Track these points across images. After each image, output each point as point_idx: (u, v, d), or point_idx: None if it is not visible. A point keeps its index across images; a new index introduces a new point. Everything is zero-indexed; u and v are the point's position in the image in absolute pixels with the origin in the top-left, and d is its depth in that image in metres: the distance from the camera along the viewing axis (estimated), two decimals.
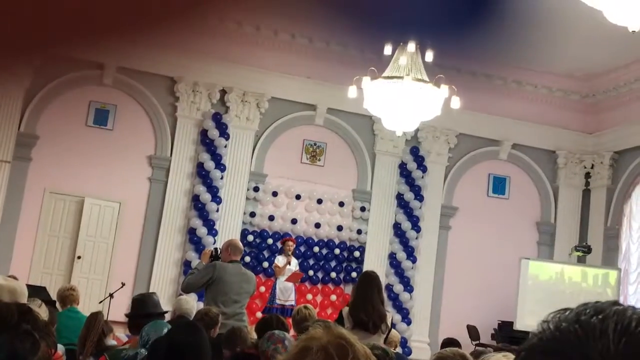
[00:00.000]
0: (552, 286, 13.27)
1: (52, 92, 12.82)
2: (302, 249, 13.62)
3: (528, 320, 12.58)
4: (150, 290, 12.67)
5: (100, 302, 11.14)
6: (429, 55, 10.33)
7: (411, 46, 10.26)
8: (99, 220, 12.85)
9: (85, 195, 12.79)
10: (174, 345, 3.16)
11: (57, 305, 7.18)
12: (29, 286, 4.37)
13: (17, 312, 1.60)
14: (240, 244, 7.28)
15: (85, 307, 10.28)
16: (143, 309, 4.34)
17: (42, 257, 12.62)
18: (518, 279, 13.27)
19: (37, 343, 1.73)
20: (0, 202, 12.27)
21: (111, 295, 10.44)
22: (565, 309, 0.89)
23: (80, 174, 12.76)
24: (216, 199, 13.05)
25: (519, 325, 12.75)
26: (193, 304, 6.57)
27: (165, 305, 11.95)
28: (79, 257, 12.68)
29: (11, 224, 12.37)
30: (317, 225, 13.75)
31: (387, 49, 10.38)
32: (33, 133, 12.67)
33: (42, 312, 3.87)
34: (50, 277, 12.44)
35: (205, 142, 13.20)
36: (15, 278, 4.08)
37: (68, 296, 6.88)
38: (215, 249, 7.16)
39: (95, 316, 5.25)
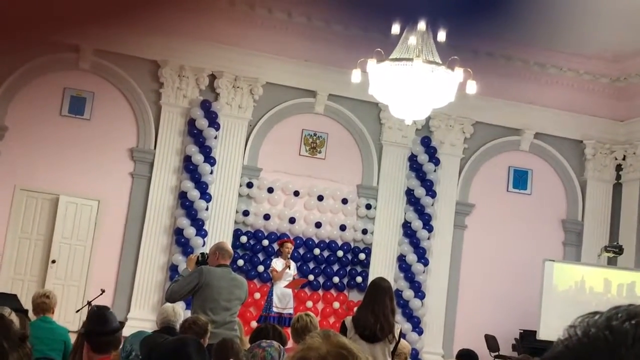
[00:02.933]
0: (580, 291, 13.27)
1: (22, 78, 12.80)
2: (302, 251, 13.63)
3: (553, 330, 12.57)
4: (134, 298, 12.71)
5: (78, 311, 11.14)
6: (442, 35, 10.29)
7: (422, 24, 10.22)
8: (76, 220, 12.85)
9: (60, 192, 12.79)
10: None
11: (30, 314, 7.18)
12: None
13: None
14: (230, 247, 7.30)
15: (61, 316, 10.31)
16: (109, 322, 4.33)
17: (13, 262, 12.62)
18: (541, 283, 13.26)
19: (5, 354, 1.71)
20: None
21: (89, 304, 10.42)
22: (594, 313, 0.87)
23: (55, 169, 12.76)
24: (205, 196, 13.05)
25: (542, 335, 12.75)
26: (179, 313, 6.56)
27: (150, 314, 12.00)
28: (53, 261, 12.68)
29: None
30: (318, 225, 13.75)
31: (395, 28, 10.34)
32: (1, 124, 12.66)
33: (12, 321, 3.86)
34: (21, 284, 12.45)
35: (193, 132, 13.19)
36: None
37: (40, 304, 6.86)
38: (202, 253, 7.18)
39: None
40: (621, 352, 0.81)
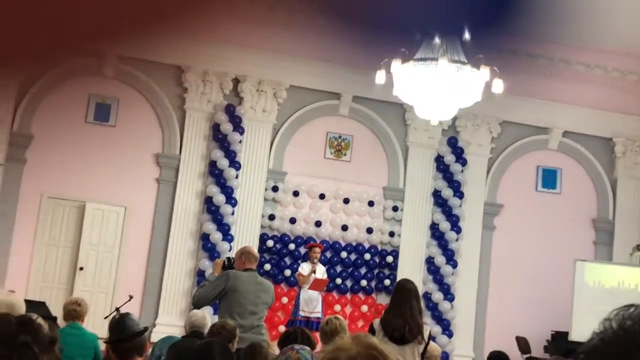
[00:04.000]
0: (612, 291, 13.14)
1: (47, 86, 12.93)
2: (328, 254, 13.62)
3: (586, 330, 12.30)
4: (161, 303, 12.78)
5: (106, 317, 11.19)
6: (466, 34, 10.25)
7: (446, 25, 10.18)
8: (103, 227, 12.95)
9: (87, 199, 12.89)
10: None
11: (60, 321, 7.24)
12: (27, 301, 4.40)
13: (16, 323, 1.61)
14: (255, 251, 7.32)
15: (90, 323, 10.37)
16: (127, 328, 4.37)
17: (41, 269, 12.74)
18: (573, 283, 13.15)
19: (36, 357, 1.73)
20: None
21: (117, 310, 10.47)
22: (630, 306, 0.86)
23: (81, 176, 12.87)
24: (231, 200, 13.09)
25: (575, 336, 12.64)
26: (207, 318, 6.60)
27: (178, 319, 12.07)
28: (81, 269, 12.78)
29: (6, 233, 12.51)
30: (344, 228, 13.74)
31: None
32: (27, 132, 12.79)
33: None
34: (50, 291, 12.56)
35: (218, 137, 13.24)
36: (13, 292, 4.12)
37: (71, 311, 6.93)
38: (228, 258, 7.20)
39: None
40: None
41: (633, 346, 0.81)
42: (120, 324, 4.37)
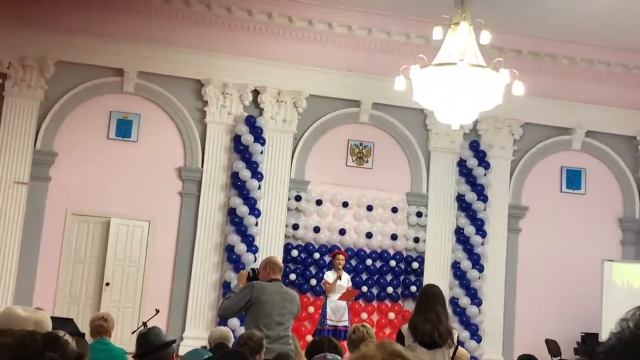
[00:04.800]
0: None
1: (69, 104, 13.07)
2: (353, 262, 13.62)
3: None
4: (188, 317, 12.83)
5: (133, 332, 11.26)
6: (485, 37, 10.23)
7: (464, 27, 10.17)
8: (127, 242, 13.04)
9: (111, 215, 12.99)
10: None
11: (87, 337, 7.28)
12: (54, 318, 4.44)
13: (42, 340, 1.63)
14: (280, 261, 7.31)
15: (117, 338, 10.44)
16: (152, 342, 4.41)
17: (68, 286, 12.84)
18: (601, 284, 13.05)
19: None
20: (19, 227, 12.54)
21: (145, 325, 10.53)
22: None
23: (104, 192, 12.97)
24: (254, 211, 13.13)
25: (605, 337, 12.51)
26: (229, 331, 6.64)
27: (205, 332, 12.11)
28: (107, 284, 12.87)
29: (32, 250, 12.63)
30: (369, 235, 13.73)
31: (437, 33, 10.31)
32: (50, 150, 12.93)
33: None
34: (77, 308, 12.66)
35: (239, 149, 13.30)
36: (40, 310, 4.16)
37: (97, 327, 6.97)
38: (253, 269, 7.20)
39: None
40: None
41: None
42: (146, 338, 4.41)
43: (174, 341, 4.69)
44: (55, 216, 12.80)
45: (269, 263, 7.04)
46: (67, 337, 1.97)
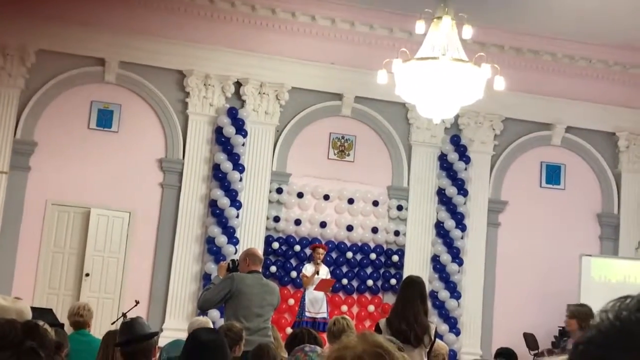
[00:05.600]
0: (619, 285, 13.13)
1: (49, 93, 12.97)
2: (334, 255, 13.64)
3: None
4: (168, 308, 12.81)
5: (113, 323, 11.23)
6: (467, 32, 10.26)
7: (446, 22, 10.19)
8: (108, 233, 12.98)
9: (91, 205, 12.92)
10: (197, 342, 3.70)
11: (67, 327, 7.26)
12: (33, 309, 4.41)
13: (22, 329, 1.63)
14: (260, 253, 7.31)
15: (97, 329, 10.40)
16: (137, 331, 4.40)
17: (47, 276, 12.77)
18: (579, 278, 13.15)
19: None
20: None
21: (124, 315, 10.52)
22: (625, 297, 0.88)
23: (85, 182, 12.90)
24: (235, 203, 13.11)
25: None
26: (209, 321, 6.64)
27: (185, 323, 12.08)
28: (87, 275, 12.81)
29: (11, 240, 12.54)
30: (350, 228, 13.76)
31: (419, 27, 10.33)
32: (30, 139, 12.83)
33: None
34: (56, 298, 12.60)
35: (221, 140, 13.27)
36: (19, 299, 4.15)
37: (74, 322, 6.96)
38: (233, 260, 7.21)
39: (112, 336, 5.31)
40: None
41: (629, 336, 0.83)
42: (129, 327, 4.41)
43: (157, 332, 4.69)
44: (35, 206, 12.72)
45: (249, 255, 7.04)
46: (46, 327, 1.96)
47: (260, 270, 7.08)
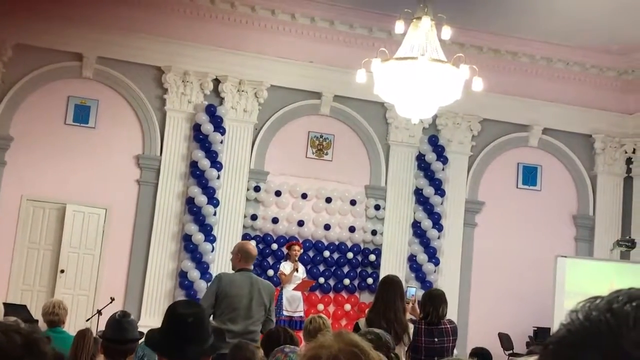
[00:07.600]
0: (594, 286, 13.23)
1: (26, 87, 12.87)
2: (311, 253, 13.65)
3: None
4: (144, 305, 12.74)
5: (88, 319, 11.19)
6: (446, 32, 10.30)
7: (426, 22, 10.23)
8: (83, 229, 12.90)
9: (67, 201, 12.84)
10: (175, 315, 3.49)
11: (41, 323, 7.22)
12: (7, 305, 4.39)
13: (21, 345, 1.55)
14: (253, 249, 6.86)
15: (71, 325, 10.35)
16: (129, 331, 4.34)
17: (21, 272, 12.67)
18: (554, 279, 13.24)
19: None
20: None
21: (99, 312, 10.47)
22: (596, 297, 0.90)
23: (61, 178, 12.81)
24: (213, 201, 13.08)
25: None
26: None
27: (160, 321, 12.02)
28: (62, 271, 12.73)
29: None
30: (327, 227, 13.77)
31: (399, 27, 10.36)
32: (6, 134, 12.72)
33: None
34: (31, 294, 12.50)
35: (199, 138, 13.23)
36: None
37: (49, 321, 6.91)
38: None
39: (84, 334, 5.27)
40: (622, 334, 0.83)
41: (598, 336, 0.85)
42: (121, 326, 4.32)
43: (143, 334, 4.63)
44: (10, 201, 12.62)
45: (242, 250, 6.70)
46: (45, 341, 1.85)
47: (251, 268, 6.77)
